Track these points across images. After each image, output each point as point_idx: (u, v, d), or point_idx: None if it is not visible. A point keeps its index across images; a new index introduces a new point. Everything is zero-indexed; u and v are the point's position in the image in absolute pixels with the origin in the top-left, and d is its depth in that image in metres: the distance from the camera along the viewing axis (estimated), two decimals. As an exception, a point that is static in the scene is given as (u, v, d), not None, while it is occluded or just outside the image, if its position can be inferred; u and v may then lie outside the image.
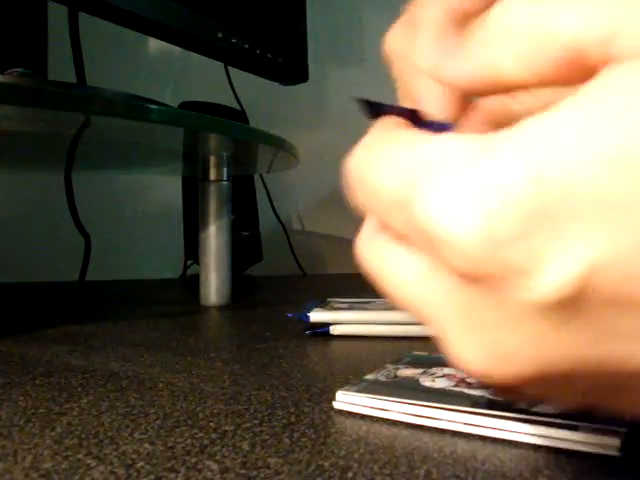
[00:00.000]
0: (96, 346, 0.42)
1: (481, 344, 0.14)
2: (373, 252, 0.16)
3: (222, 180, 0.66)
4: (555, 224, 0.12)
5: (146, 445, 0.22)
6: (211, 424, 0.25)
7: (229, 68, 0.86)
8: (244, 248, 0.84)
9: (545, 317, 0.12)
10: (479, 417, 0.22)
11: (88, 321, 0.54)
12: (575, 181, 0.11)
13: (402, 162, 0.14)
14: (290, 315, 0.46)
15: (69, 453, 0.22)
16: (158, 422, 0.25)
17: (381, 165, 0.15)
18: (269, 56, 0.70)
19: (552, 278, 0.12)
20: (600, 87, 0.12)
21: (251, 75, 0.74)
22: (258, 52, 0.68)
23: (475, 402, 0.24)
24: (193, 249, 0.81)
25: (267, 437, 0.23)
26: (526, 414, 0.22)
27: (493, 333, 0.13)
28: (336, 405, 0.26)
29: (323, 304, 0.49)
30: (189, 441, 0.23)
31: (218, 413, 0.26)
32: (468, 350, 0.14)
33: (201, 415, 0.26)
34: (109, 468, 0.20)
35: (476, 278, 0.13)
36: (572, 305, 0.12)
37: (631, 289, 0.11)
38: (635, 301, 0.12)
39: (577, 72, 0.13)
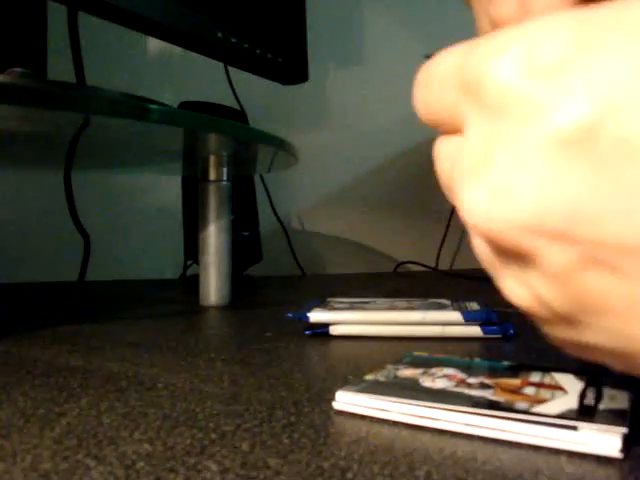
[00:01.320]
0: (96, 346, 0.42)
1: (486, 183, 0.15)
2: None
3: (222, 180, 0.66)
4: (571, 73, 0.13)
5: (146, 445, 0.22)
6: (211, 424, 0.25)
7: (229, 68, 0.86)
8: (244, 248, 0.84)
9: (554, 155, 0.13)
10: (479, 418, 0.22)
11: (88, 321, 0.54)
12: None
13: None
14: (290, 315, 0.46)
15: (68, 453, 0.22)
16: (158, 422, 0.25)
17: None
18: (269, 56, 0.70)
19: (567, 113, 0.13)
20: None
21: (251, 75, 0.74)
22: (258, 52, 0.68)
23: (475, 403, 0.24)
24: (193, 249, 0.81)
25: (267, 437, 0.23)
26: (526, 415, 0.22)
27: (500, 171, 0.14)
28: (336, 405, 0.26)
29: (323, 304, 0.49)
30: (189, 441, 0.23)
31: (218, 413, 0.26)
32: (474, 189, 0.15)
33: (201, 415, 0.26)
34: (108, 468, 0.20)
35: (502, 107, 0.15)
36: (581, 144, 0.13)
37: (631, 144, 0.12)
38: (632, 157, 0.12)
39: None
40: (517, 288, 0.16)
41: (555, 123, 0.13)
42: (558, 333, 0.16)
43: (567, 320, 0.15)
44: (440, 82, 0.18)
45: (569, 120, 0.13)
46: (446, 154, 0.18)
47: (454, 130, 0.18)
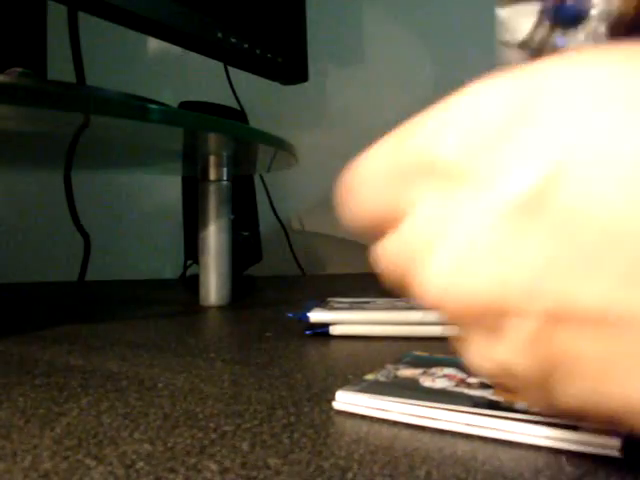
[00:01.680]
0: (96, 346, 0.42)
1: (442, 258, 0.14)
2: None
3: (222, 180, 0.66)
4: (518, 136, 0.13)
5: (146, 445, 0.22)
6: (211, 424, 0.25)
7: (229, 68, 0.86)
8: (244, 248, 0.84)
9: (506, 226, 0.13)
10: (480, 417, 0.22)
11: (88, 321, 0.54)
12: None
13: None
14: (290, 315, 0.46)
15: (69, 453, 0.22)
16: (158, 422, 0.25)
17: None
18: (269, 56, 0.70)
19: (513, 182, 0.13)
20: None
21: (251, 75, 0.74)
22: (258, 52, 0.68)
23: (476, 402, 0.24)
24: (193, 249, 0.81)
25: (267, 437, 0.23)
26: (526, 414, 0.22)
27: (455, 246, 0.14)
28: (336, 405, 0.26)
29: (323, 304, 0.49)
30: (189, 441, 0.23)
31: (218, 413, 0.26)
32: (430, 266, 0.15)
33: (201, 415, 0.26)
34: (109, 468, 0.20)
35: (449, 181, 0.14)
36: (531, 213, 0.13)
37: (586, 202, 0.12)
38: (590, 215, 0.12)
39: None
40: (482, 359, 0.16)
41: (503, 193, 0.13)
42: (528, 398, 0.16)
43: (536, 385, 0.15)
44: (374, 178, 0.17)
45: (516, 189, 0.13)
46: (391, 249, 0.17)
47: (394, 224, 0.17)
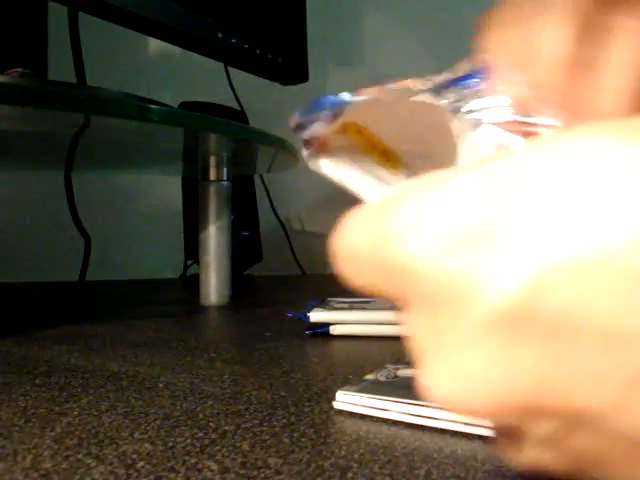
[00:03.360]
0: (96, 346, 0.42)
1: (446, 366, 0.14)
2: None
3: (222, 180, 0.66)
4: (496, 241, 0.12)
5: (146, 445, 0.22)
6: (211, 424, 0.25)
7: (229, 68, 0.87)
8: (244, 248, 0.84)
9: (500, 335, 0.12)
10: (479, 417, 0.22)
11: (88, 321, 0.54)
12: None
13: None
14: (290, 315, 0.46)
15: (69, 453, 0.22)
16: (158, 422, 0.25)
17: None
18: (269, 56, 0.70)
19: (497, 290, 0.12)
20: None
21: (251, 75, 0.74)
22: (258, 52, 0.68)
23: (475, 402, 0.24)
24: (193, 249, 0.81)
25: (267, 437, 0.23)
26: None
27: (457, 355, 0.13)
28: (336, 405, 0.26)
29: (323, 304, 0.49)
30: (189, 441, 0.23)
31: (218, 413, 0.26)
32: (435, 373, 0.14)
33: (201, 415, 0.26)
34: (109, 468, 0.20)
35: (430, 292, 0.13)
36: (523, 319, 0.12)
37: (581, 306, 0.11)
38: (588, 320, 0.11)
39: None
40: (514, 458, 0.15)
41: (489, 303, 0.12)
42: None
43: (574, 470, 0.15)
44: (358, 262, 0.16)
45: (502, 297, 0.12)
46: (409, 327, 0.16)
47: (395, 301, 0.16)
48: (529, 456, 0.15)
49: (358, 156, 0.22)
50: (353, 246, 0.16)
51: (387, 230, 0.14)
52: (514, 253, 0.12)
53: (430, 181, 0.14)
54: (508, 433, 0.15)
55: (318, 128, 0.22)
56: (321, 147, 0.22)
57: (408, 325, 0.15)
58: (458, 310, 0.13)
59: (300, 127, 0.22)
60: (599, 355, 0.12)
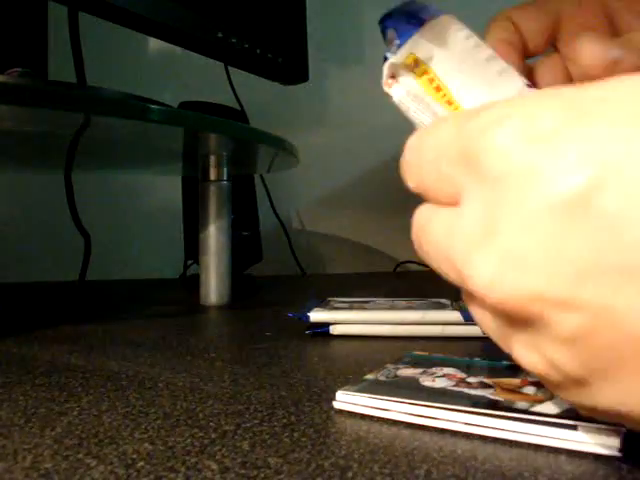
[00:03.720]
0: (96, 346, 0.42)
1: (493, 251, 0.15)
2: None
3: (222, 180, 0.66)
4: (570, 137, 0.14)
5: (146, 445, 0.22)
6: (211, 424, 0.25)
7: (229, 68, 0.86)
8: (244, 248, 0.84)
9: (556, 220, 0.14)
10: (479, 417, 0.23)
11: (88, 321, 0.55)
12: None
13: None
14: (290, 315, 0.46)
15: (69, 453, 0.22)
16: (158, 422, 0.25)
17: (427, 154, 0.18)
18: (269, 56, 0.70)
19: (564, 179, 0.14)
20: None
21: (251, 75, 0.74)
22: (258, 52, 0.68)
23: (475, 402, 0.24)
24: (193, 249, 0.81)
25: (267, 437, 0.23)
26: (526, 414, 0.22)
27: (506, 239, 0.15)
28: (336, 405, 0.26)
29: (323, 304, 0.49)
30: (189, 441, 0.23)
31: (218, 413, 0.26)
32: (481, 260, 0.15)
33: (201, 415, 0.26)
34: (109, 468, 0.20)
35: (502, 176, 0.15)
36: (580, 208, 0.13)
37: (630, 206, 0.13)
38: (633, 221, 0.13)
39: None
40: (528, 354, 0.16)
41: (554, 189, 0.14)
42: (571, 397, 0.16)
43: (580, 383, 0.15)
44: (436, 153, 0.18)
45: (566, 186, 0.14)
46: (439, 224, 0.18)
47: (447, 200, 0.18)
48: (543, 351, 0.15)
49: (424, 95, 0.24)
50: (438, 138, 0.18)
51: (472, 125, 0.16)
52: (582, 151, 0.14)
53: (507, 100, 0.16)
54: (525, 326, 0.15)
55: (400, 55, 0.24)
56: (393, 76, 0.24)
57: (459, 217, 0.17)
58: (523, 195, 0.14)
59: (393, 36, 0.25)
60: (636, 257, 0.13)
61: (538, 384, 0.26)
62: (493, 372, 0.29)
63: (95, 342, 0.43)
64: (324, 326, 0.45)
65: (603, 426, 0.20)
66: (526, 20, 0.26)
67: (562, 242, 0.14)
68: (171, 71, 1.10)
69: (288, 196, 1.14)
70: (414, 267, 1.16)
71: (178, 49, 0.68)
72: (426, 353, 0.34)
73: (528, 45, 0.26)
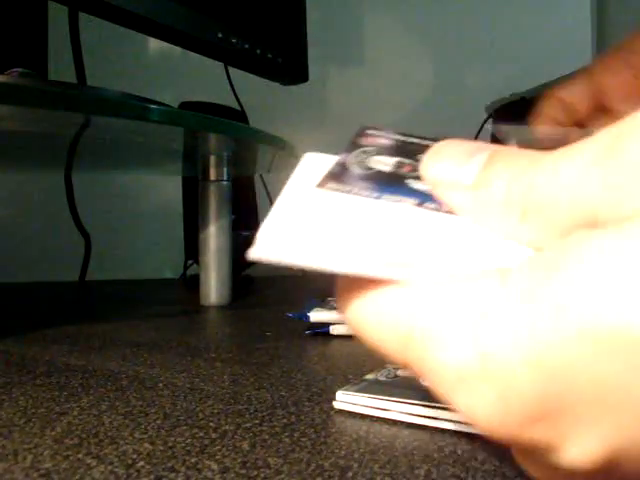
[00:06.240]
0: (96, 346, 0.42)
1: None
2: None
3: (222, 180, 0.66)
4: (567, 408, 0.12)
5: (146, 445, 0.22)
6: (211, 424, 0.25)
7: (229, 68, 0.86)
8: (244, 248, 0.84)
9: (580, 474, 0.12)
10: (479, 417, 0.22)
11: (88, 321, 0.54)
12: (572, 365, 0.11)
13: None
14: (290, 315, 0.46)
15: (69, 453, 0.22)
16: (158, 422, 0.25)
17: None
18: (269, 56, 0.70)
19: (576, 454, 0.12)
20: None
21: (251, 75, 0.74)
22: (258, 52, 0.68)
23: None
24: (193, 249, 0.81)
25: (267, 437, 0.23)
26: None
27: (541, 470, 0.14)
28: (336, 405, 0.26)
29: (323, 304, 0.49)
30: (189, 441, 0.23)
31: (218, 413, 0.26)
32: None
33: (201, 415, 0.26)
34: (109, 468, 0.20)
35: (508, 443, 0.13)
36: (602, 470, 0.12)
37: None
38: None
39: None
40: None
41: (566, 460, 0.12)
42: None
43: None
44: None
45: (578, 458, 0.12)
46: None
47: None
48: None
49: None
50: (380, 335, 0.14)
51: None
52: (589, 424, 0.12)
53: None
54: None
55: None
56: None
57: None
58: (538, 454, 0.13)
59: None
60: None
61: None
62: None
63: (95, 342, 0.43)
64: (324, 326, 0.45)
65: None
66: (569, 94, 0.33)
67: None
68: (171, 71, 1.10)
69: (288, 196, 1.13)
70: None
71: (178, 49, 0.68)
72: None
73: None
